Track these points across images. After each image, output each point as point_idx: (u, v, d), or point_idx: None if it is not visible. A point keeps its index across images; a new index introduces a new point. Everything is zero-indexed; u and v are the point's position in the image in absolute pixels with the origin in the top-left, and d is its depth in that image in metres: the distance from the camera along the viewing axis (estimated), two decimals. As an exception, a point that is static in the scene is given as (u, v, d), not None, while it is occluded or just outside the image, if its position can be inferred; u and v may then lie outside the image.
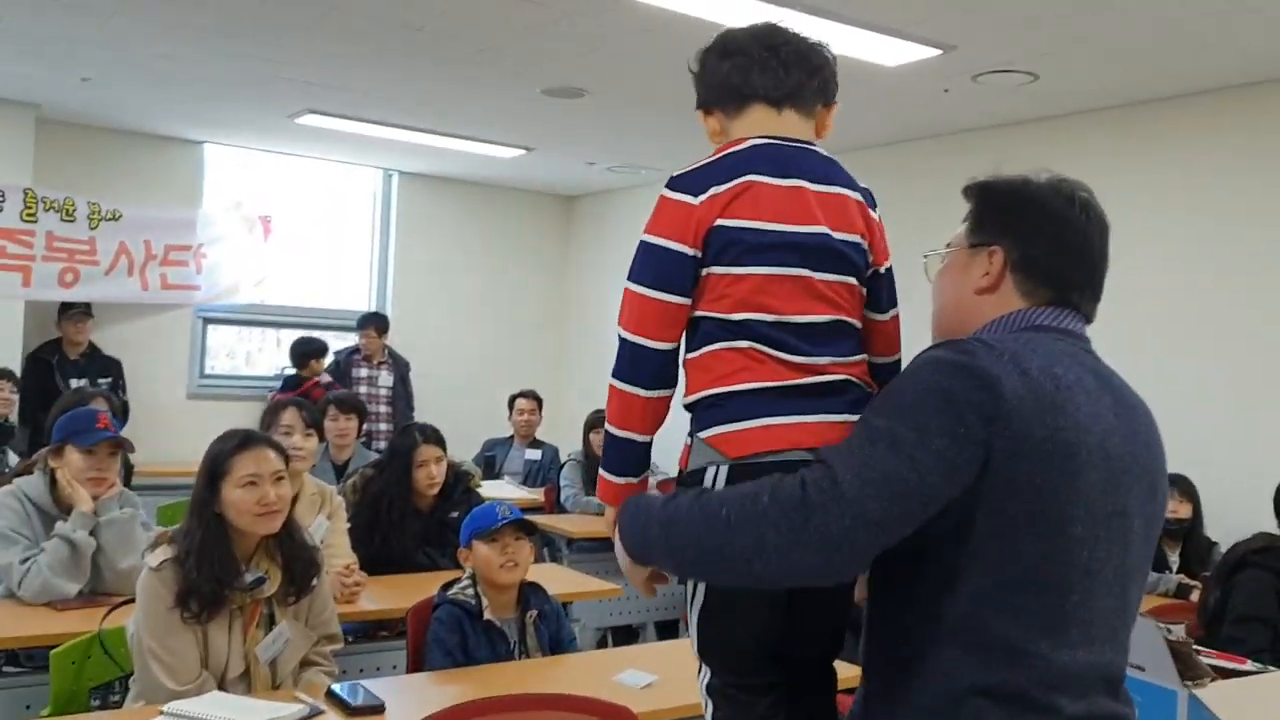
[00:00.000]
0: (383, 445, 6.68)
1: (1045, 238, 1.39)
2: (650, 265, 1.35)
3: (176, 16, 4.51)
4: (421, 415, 7.06)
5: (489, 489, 5.20)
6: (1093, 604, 1.29)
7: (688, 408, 1.38)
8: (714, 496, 1.28)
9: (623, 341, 1.37)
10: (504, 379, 7.54)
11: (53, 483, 3.23)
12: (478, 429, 6.91)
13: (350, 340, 7.60)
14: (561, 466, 6.06)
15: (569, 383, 8.59)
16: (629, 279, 1.37)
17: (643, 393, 1.36)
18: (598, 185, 8.31)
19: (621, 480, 1.42)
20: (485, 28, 4.44)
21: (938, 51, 4.35)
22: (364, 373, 7.31)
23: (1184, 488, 4.31)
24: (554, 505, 5.83)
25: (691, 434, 1.37)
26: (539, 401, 6.77)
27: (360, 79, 5.40)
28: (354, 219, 8.16)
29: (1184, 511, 4.32)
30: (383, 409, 7.18)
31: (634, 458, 1.41)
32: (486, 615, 2.77)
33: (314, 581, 2.55)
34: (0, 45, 5.11)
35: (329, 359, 7.20)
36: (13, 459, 5.61)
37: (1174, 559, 4.36)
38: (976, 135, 5.72)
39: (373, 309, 7.85)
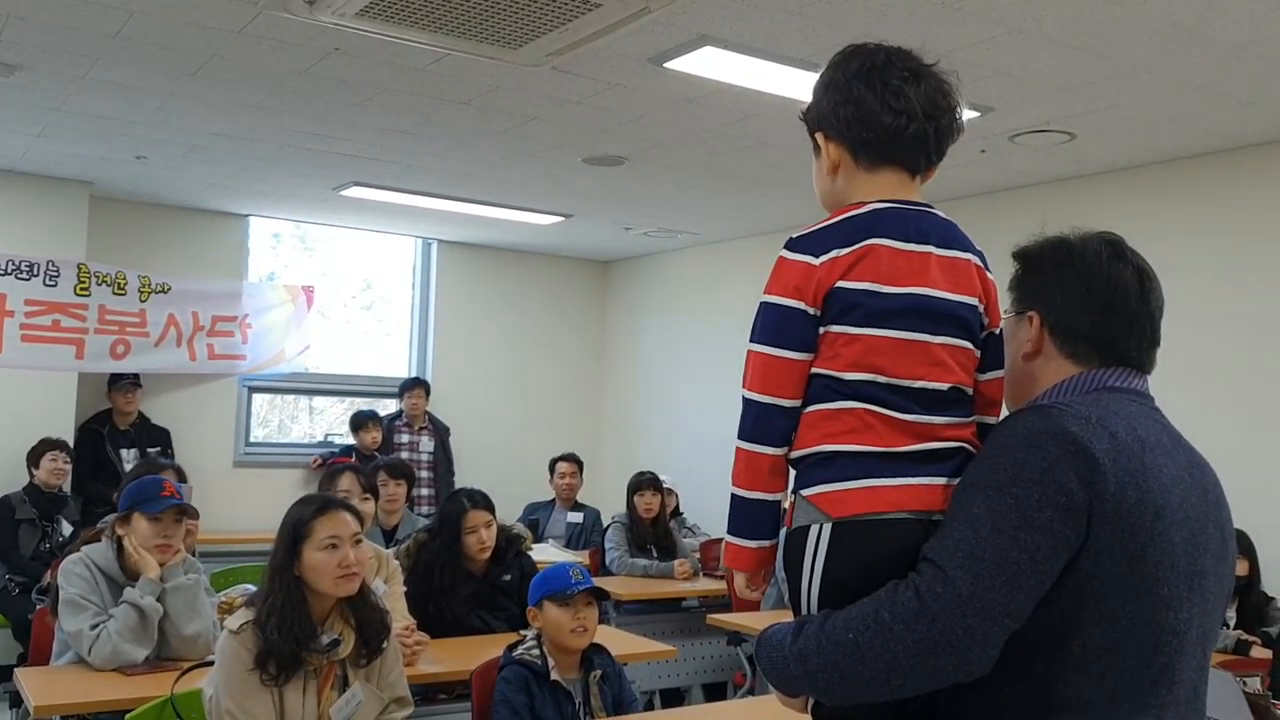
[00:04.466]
0: (424, 509, 6.75)
1: (1075, 296, 1.40)
2: (772, 324, 1.35)
3: (230, 96, 4.68)
4: (461, 479, 7.11)
5: (534, 553, 5.22)
6: (1179, 664, 1.29)
7: (793, 463, 1.37)
8: (838, 621, 1.27)
9: (748, 403, 1.37)
10: (543, 443, 7.60)
11: (120, 550, 3.28)
12: (518, 493, 6.94)
13: (389, 407, 7.71)
14: (605, 529, 6.08)
15: (607, 446, 8.63)
16: (751, 341, 1.36)
17: (772, 451, 1.35)
18: (634, 250, 8.43)
19: (754, 544, 1.39)
20: (531, 100, 4.58)
21: (974, 114, 4.44)
22: (406, 438, 7.41)
23: (1241, 544, 4.26)
24: (599, 568, 5.83)
25: (795, 491, 1.36)
26: (580, 465, 6.82)
27: (406, 152, 5.55)
28: (394, 287, 8.31)
29: (1241, 569, 4.28)
30: (424, 474, 7.25)
31: (767, 518, 1.39)
32: (553, 676, 2.79)
33: (384, 643, 2.58)
34: (60, 127, 5.30)
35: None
36: (66, 528, 5.70)
37: (1231, 615, 4.32)
38: (1014, 194, 5.78)
39: (413, 375, 7.96)
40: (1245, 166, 4.90)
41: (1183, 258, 4.97)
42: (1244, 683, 2.32)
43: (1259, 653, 3.95)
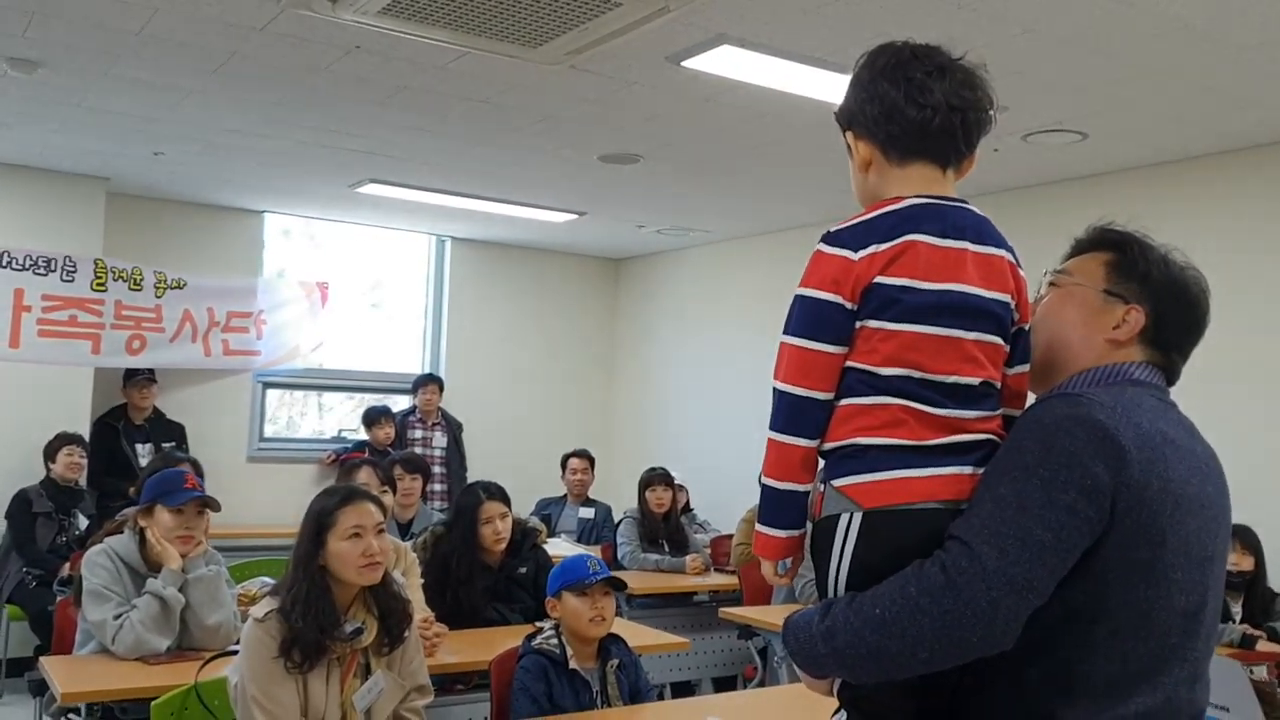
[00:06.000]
0: (438, 504, 6.80)
1: (1186, 322, 1.51)
2: (808, 317, 1.36)
3: (249, 93, 4.71)
4: (474, 475, 7.13)
5: (546, 548, 5.26)
6: (1192, 645, 1.36)
7: (822, 454, 1.39)
8: (865, 598, 1.31)
9: (781, 395, 1.38)
10: (554, 439, 7.64)
11: (142, 541, 3.33)
12: (530, 489, 6.97)
13: (402, 403, 7.75)
14: (617, 525, 6.12)
15: (618, 443, 8.66)
16: (786, 333, 1.38)
17: (804, 443, 1.37)
18: (646, 248, 8.47)
19: (785, 534, 1.42)
20: (549, 98, 4.61)
21: (988, 113, 4.45)
22: (419, 434, 7.45)
23: (1247, 540, 4.31)
24: (611, 562, 5.87)
25: (824, 481, 1.38)
26: (591, 461, 6.86)
27: (423, 149, 5.59)
28: (408, 284, 8.35)
29: (1247, 564, 4.32)
30: (437, 469, 7.28)
31: (796, 509, 1.41)
32: (571, 664, 2.83)
33: (406, 632, 2.62)
34: (79, 123, 5.34)
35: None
36: (82, 521, 5.76)
37: (1237, 610, 4.35)
38: (1026, 193, 5.79)
39: (426, 371, 8.00)
40: (1256, 167, 4.92)
41: (1193, 257, 4.96)
42: (1251, 671, 2.35)
43: (1265, 647, 3.98)
